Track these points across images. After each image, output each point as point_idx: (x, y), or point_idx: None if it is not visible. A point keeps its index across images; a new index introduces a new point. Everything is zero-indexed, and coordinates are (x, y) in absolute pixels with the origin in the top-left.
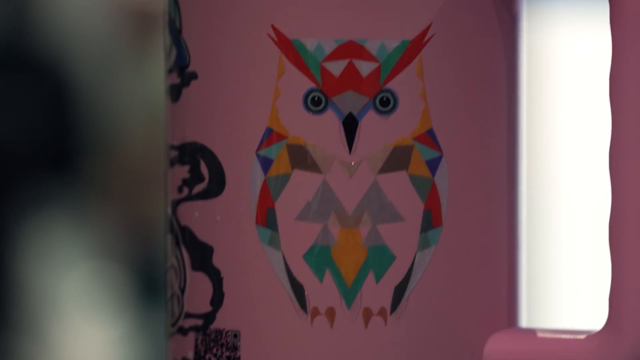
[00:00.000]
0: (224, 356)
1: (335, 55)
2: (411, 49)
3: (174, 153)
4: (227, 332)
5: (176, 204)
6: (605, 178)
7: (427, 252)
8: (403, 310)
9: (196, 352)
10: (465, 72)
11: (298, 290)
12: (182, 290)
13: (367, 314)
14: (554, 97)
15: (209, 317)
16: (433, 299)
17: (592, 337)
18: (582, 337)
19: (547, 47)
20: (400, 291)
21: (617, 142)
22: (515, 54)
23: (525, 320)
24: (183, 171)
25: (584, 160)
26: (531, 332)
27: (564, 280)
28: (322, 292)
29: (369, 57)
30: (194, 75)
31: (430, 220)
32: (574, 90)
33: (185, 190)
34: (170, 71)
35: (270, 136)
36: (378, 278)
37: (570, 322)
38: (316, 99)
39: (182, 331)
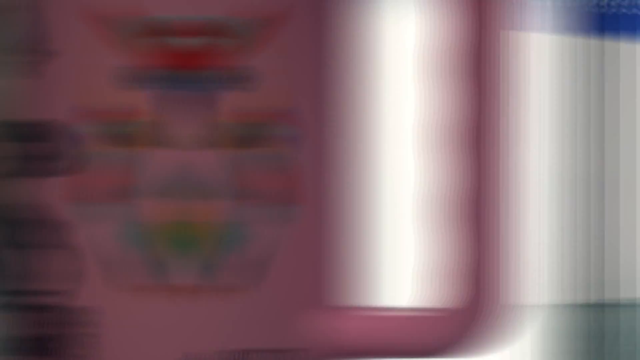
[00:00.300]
0: (83, 334)
1: (189, 32)
2: (271, 26)
3: (26, 130)
4: (85, 310)
5: (29, 182)
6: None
7: (281, 229)
8: (257, 286)
9: (53, 331)
10: (325, 50)
11: (158, 266)
12: (38, 269)
13: (222, 290)
14: (403, 80)
15: (67, 295)
16: (287, 275)
17: (438, 313)
18: (429, 314)
19: (399, 28)
20: (255, 267)
21: (454, 120)
22: (369, 35)
23: (375, 298)
24: (38, 148)
25: (409, 142)
26: (379, 310)
27: (408, 259)
28: (181, 268)
29: (227, 34)
30: (46, 53)
31: (286, 197)
32: (420, 73)
33: (39, 168)
34: (22, 49)
35: (121, 113)
36: (233, 254)
37: (419, 301)
38: (170, 76)
39: (39, 309)
